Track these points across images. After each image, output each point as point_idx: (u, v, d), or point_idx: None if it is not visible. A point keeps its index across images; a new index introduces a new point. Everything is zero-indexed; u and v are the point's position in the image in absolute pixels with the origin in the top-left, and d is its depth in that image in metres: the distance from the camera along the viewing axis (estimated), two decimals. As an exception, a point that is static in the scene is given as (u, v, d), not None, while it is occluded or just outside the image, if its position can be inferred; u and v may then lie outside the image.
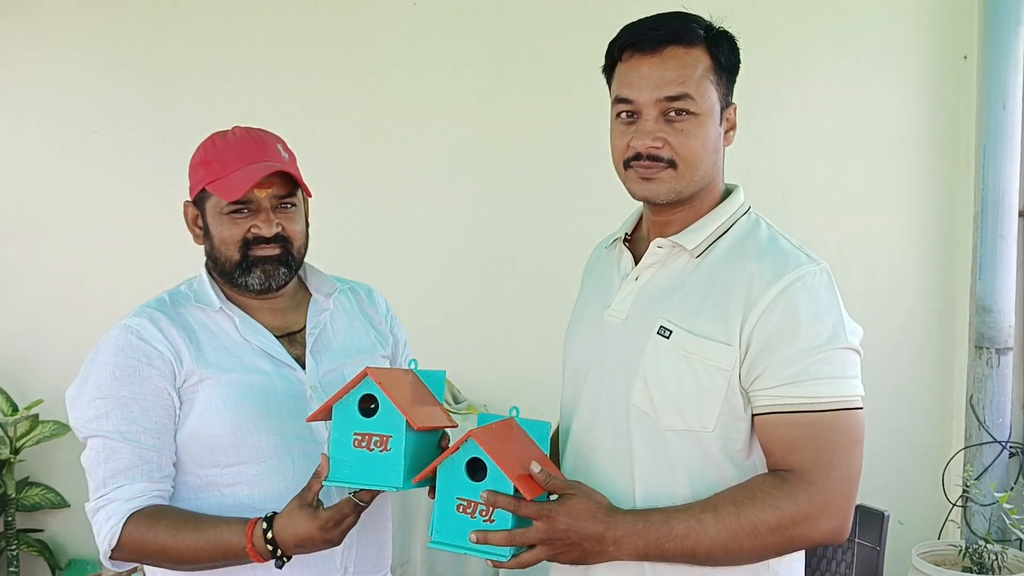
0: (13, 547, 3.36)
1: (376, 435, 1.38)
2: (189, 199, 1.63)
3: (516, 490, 1.28)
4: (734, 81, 1.46)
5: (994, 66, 3.01)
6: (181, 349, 1.53)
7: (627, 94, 1.41)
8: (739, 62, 1.46)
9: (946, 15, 3.19)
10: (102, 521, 1.47)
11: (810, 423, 1.32)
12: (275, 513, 1.43)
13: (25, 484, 3.47)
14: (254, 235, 1.55)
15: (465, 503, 1.31)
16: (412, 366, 1.54)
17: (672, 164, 1.40)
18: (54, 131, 3.57)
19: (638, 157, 1.40)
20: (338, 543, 1.42)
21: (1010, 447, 3.07)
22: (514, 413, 1.43)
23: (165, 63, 3.52)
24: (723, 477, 1.37)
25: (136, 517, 1.46)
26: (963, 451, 3.12)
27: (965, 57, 3.18)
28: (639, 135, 1.40)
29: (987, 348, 3.06)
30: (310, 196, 1.64)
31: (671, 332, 1.38)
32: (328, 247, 3.26)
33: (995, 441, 3.05)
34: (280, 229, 1.56)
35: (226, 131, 1.61)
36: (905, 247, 3.27)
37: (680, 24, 1.41)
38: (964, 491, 3.03)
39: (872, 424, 3.16)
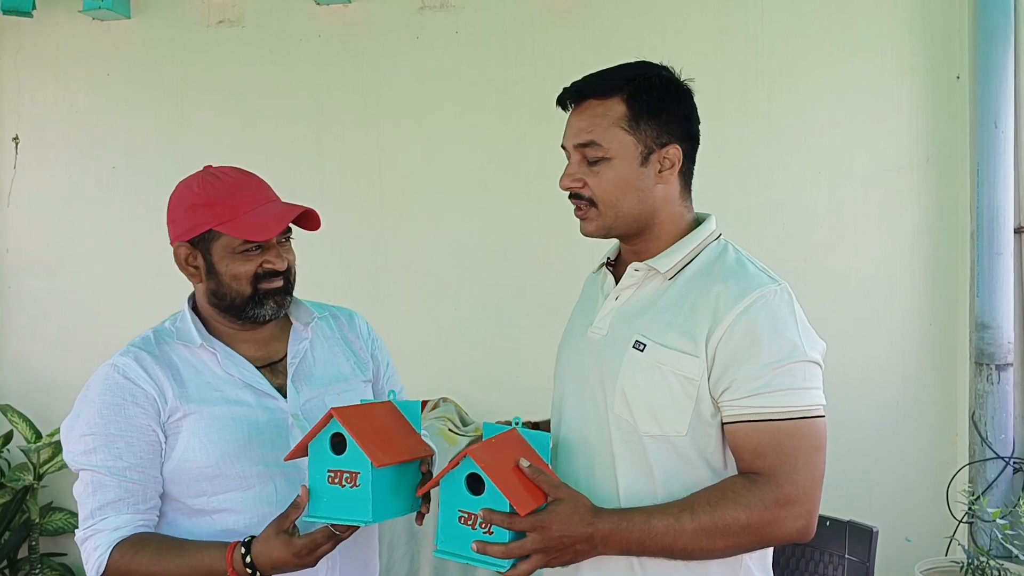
0: (37, 571, 3.46)
1: (346, 471, 1.46)
2: (181, 241, 1.64)
3: (511, 506, 1.36)
4: (671, 123, 1.54)
5: (985, 85, 3.04)
6: (165, 387, 1.61)
7: (562, 140, 1.58)
8: (668, 105, 1.54)
9: (938, 36, 3.22)
10: (90, 550, 1.56)
11: (774, 431, 1.43)
12: (253, 537, 1.51)
13: (48, 509, 3.58)
14: (266, 270, 1.63)
15: (466, 515, 1.39)
16: (391, 397, 1.61)
17: (592, 203, 1.54)
18: (75, 167, 3.71)
19: (570, 195, 1.57)
20: (313, 566, 1.50)
21: (1014, 463, 3.08)
22: (515, 423, 1.51)
23: (182, 101, 3.65)
24: (698, 478, 1.48)
25: (122, 545, 1.54)
26: (967, 467, 3.13)
27: (958, 77, 3.20)
28: (563, 176, 1.57)
29: (987, 364, 3.07)
30: (317, 228, 1.71)
31: (645, 346, 1.50)
32: (339, 276, 3.38)
33: (998, 457, 3.06)
34: (287, 264, 1.66)
35: (214, 172, 1.65)
36: (904, 266, 3.29)
37: (597, 80, 1.55)
38: (969, 507, 3.04)
39: (877, 441, 3.25)
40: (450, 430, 3.23)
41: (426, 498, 1.58)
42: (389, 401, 1.61)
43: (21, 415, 3.57)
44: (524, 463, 1.41)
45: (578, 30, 3.42)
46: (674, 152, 1.54)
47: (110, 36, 3.65)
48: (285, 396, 1.68)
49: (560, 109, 1.59)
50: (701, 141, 1.60)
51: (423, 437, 1.62)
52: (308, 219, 1.67)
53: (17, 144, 3.75)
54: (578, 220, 1.58)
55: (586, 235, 1.58)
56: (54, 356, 3.71)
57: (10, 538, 3.50)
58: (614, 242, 1.70)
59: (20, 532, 3.50)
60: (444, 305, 3.54)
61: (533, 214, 3.45)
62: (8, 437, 3.62)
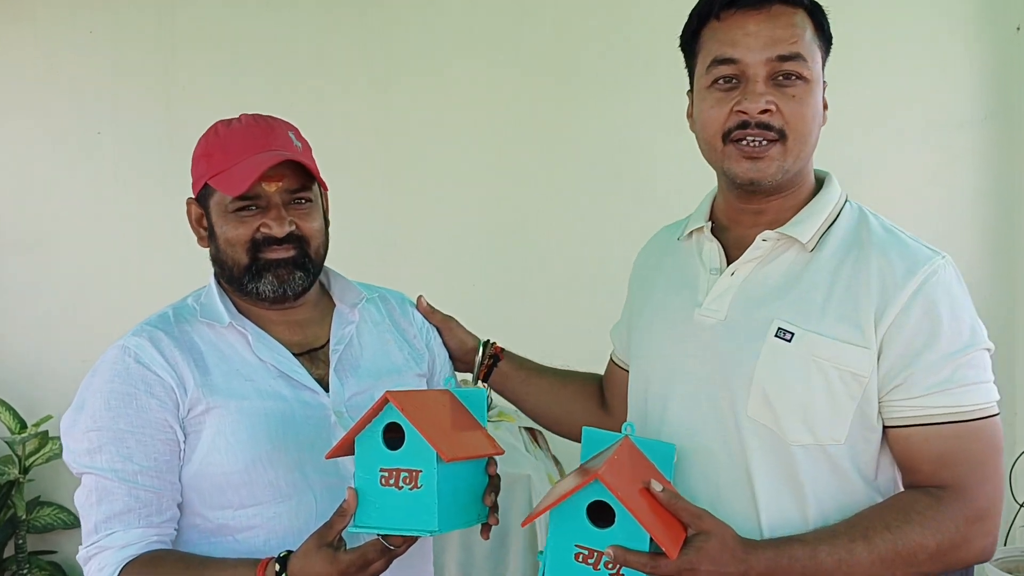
0: (25, 571, 3.21)
1: (404, 470, 1.20)
2: (192, 196, 1.45)
3: (653, 543, 1.11)
4: (826, 55, 1.33)
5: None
6: (184, 374, 1.35)
7: (731, 53, 1.25)
8: (829, 35, 1.33)
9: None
10: (94, 571, 1.29)
11: (961, 434, 1.20)
12: (290, 552, 1.25)
13: (36, 504, 3.33)
14: (264, 235, 1.37)
15: (586, 552, 1.14)
16: (448, 385, 1.36)
17: (782, 136, 1.25)
18: (57, 134, 3.42)
19: (744, 126, 1.25)
20: None
21: (1080, 443, 2.88)
22: (629, 431, 1.26)
23: (172, 59, 3.36)
24: (854, 496, 1.25)
25: (132, 566, 1.28)
26: (1029, 450, 2.93)
27: (1018, 28, 2.98)
28: (749, 97, 1.24)
29: (1053, 338, 2.86)
30: (326, 189, 1.46)
31: (793, 334, 1.23)
32: (344, 249, 3.12)
33: (1064, 437, 2.86)
34: (293, 228, 1.38)
35: (231, 119, 1.43)
36: (959, 231, 3.08)
37: None
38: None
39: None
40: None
41: (494, 507, 1.33)
42: (448, 390, 1.35)
43: (4, 404, 3.31)
44: (657, 487, 1.15)
45: None
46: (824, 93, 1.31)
47: (92, -11, 3.37)
48: (327, 389, 1.42)
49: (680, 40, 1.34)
50: None
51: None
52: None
53: (-7, 109, 3.46)
54: (713, 166, 1.31)
55: (754, 182, 1.26)
56: (40, 339, 3.44)
57: (-2, 532, 3.24)
58: (702, 202, 1.43)
59: (5, 529, 3.24)
60: (460, 281, 3.28)
61: (557, 181, 3.21)
62: (-9, 427, 3.35)
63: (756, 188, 1.28)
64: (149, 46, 3.35)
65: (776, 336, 1.24)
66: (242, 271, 1.38)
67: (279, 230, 1.37)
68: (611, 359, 1.63)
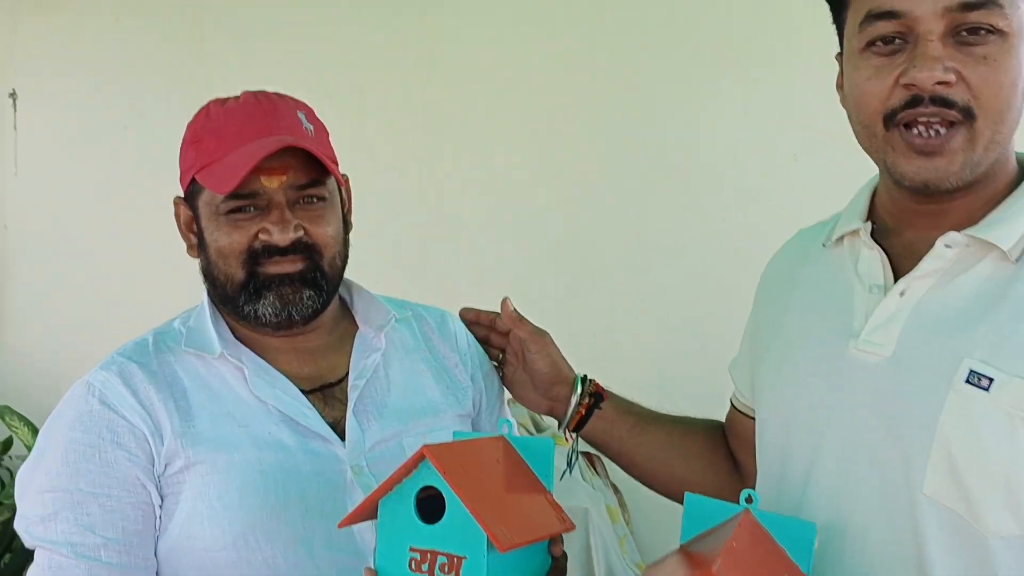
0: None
1: (443, 554, 0.91)
2: (181, 195, 1.17)
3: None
4: None
5: None
6: (161, 418, 1.06)
7: (893, 4, 0.92)
8: None
9: None
10: None
11: None
12: None
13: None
14: (264, 243, 1.09)
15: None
16: (506, 429, 1.06)
17: (968, 116, 0.91)
18: (80, 129, 3.21)
19: (913, 103, 0.92)
20: None
21: None
22: (750, 502, 0.92)
23: (201, 50, 3.13)
24: None
25: None
26: None
27: None
28: (920, 63, 0.90)
29: None
30: (344, 185, 1.17)
31: (991, 380, 0.89)
32: (378, 259, 2.85)
33: None
34: (301, 233, 1.10)
35: (228, 98, 1.15)
36: None
37: None
38: None
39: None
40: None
41: None
42: (503, 437, 1.05)
43: (22, 418, 3.08)
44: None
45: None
46: None
47: (118, -25, 3.16)
48: (343, 437, 1.12)
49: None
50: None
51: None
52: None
53: (15, 100, 3.27)
54: (872, 156, 0.99)
55: (929, 185, 0.94)
56: (60, 350, 3.21)
57: (10, 562, 3.02)
58: (856, 196, 1.09)
59: (20, 556, 3.02)
60: (497, 286, 2.97)
61: (611, 184, 2.88)
62: (7, 444, 3.13)
63: (932, 191, 0.95)
64: (179, 36, 3.13)
65: (968, 382, 0.90)
66: (237, 289, 1.10)
67: (282, 237, 1.08)
68: (732, 403, 1.29)
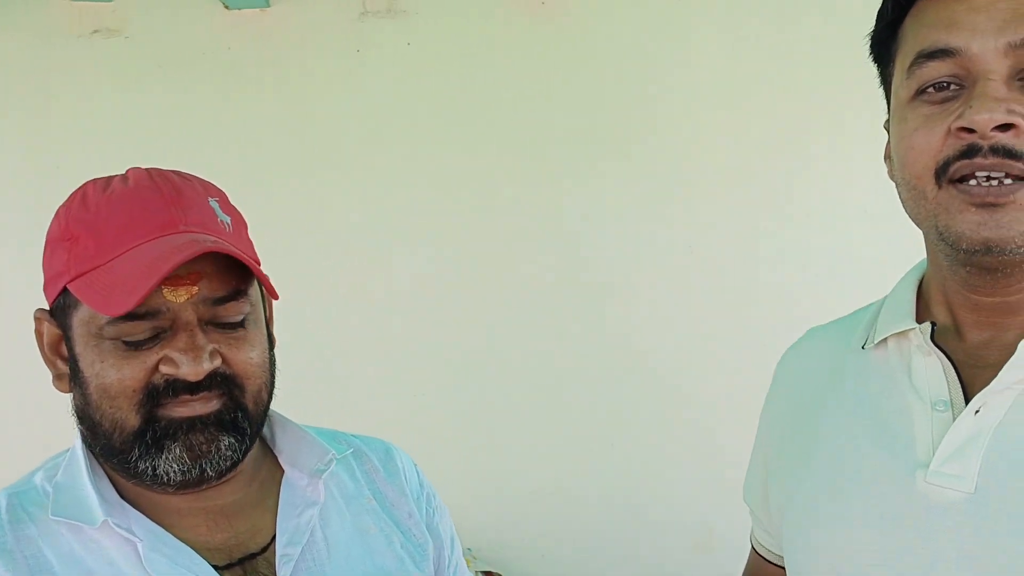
0: None
1: None
2: (44, 309, 0.90)
3: None
4: None
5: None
6: None
7: (947, 40, 0.77)
8: None
9: None
10: None
11: None
12: None
13: None
14: (167, 378, 0.82)
15: None
16: None
17: None
18: None
19: (970, 153, 0.75)
20: None
21: None
22: None
23: (45, 136, 2.75)
24: None
25: None
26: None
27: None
28: (978, 103, 0.74)
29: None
30: (275, 296, 0.91)
31: None
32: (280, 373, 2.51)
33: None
34: (218, 363, 0.84)
35: (111, 177, 0.89)
36: None
37: None
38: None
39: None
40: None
41: None
42: None
43: None
44: None
45: (560, 33, 2.68)
46: None
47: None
48: None
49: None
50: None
51: None
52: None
53: None
54: (920, 223, 0.81)
55: (989, 244, 0.75)
56: None
57: None
58: (898, 286, 0.91)
59: None
60: (406, 391, 2.71)
61: (518, 267, 2.69)
62: None
63: (996, 255, 0.76)
64: (18, 120, 2.73)
65: None
66: (129, 440, 0.82)
67: (193, 369, 0.81)
68: (752, 546, 1.07)
